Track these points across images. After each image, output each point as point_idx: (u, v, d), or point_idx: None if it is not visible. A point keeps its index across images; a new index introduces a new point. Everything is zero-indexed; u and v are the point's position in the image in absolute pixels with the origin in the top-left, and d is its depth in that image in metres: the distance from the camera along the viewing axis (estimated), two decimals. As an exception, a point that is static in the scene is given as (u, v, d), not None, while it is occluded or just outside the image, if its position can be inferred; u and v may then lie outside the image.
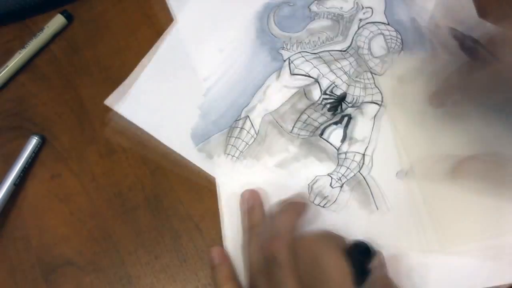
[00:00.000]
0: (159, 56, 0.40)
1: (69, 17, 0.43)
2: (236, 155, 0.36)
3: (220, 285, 0.31)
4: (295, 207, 0.32)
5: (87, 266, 0.35)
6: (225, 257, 0.33)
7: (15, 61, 0.41)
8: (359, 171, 0.35)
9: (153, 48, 0.40)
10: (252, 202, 0.33)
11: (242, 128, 0.37)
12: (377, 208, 0.34)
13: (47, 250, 0.35)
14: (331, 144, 0.36)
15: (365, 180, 0.35)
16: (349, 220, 0.34)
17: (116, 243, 0.35)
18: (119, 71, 0.40)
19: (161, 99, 0.39)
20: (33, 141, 0.37)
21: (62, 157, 0.38)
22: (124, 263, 0.35)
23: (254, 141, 0.37)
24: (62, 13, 0.42)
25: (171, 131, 0.37)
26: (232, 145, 0.36)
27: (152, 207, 0.36)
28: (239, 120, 0.37)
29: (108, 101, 0.38)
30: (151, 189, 0.37)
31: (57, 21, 0.42)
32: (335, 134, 0.37)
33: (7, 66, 0.40)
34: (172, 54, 0.40)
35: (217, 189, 0.36)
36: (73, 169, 0.38)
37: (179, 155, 0.37)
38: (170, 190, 0.36)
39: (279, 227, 0.29)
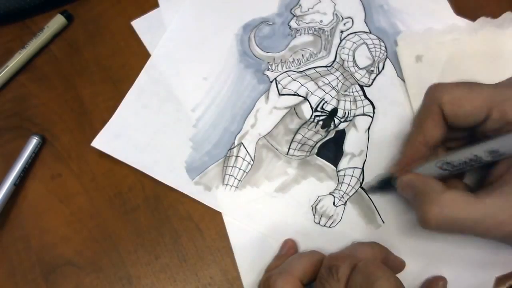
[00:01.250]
0: (142, 92, 0.39)
1: (69, 17, 0.43)
2: (235, 184, 0.35)
3: (268, 271, 0.32)
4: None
5: (87, 266, 0.35)
6: (292, 251, 0.33)
7: (15, 61, 0.41)
8: (360, 187, 0.35)
9: (135, 84, 0.39)
10: (286, 250, 0.33)
11: (237, 156, 0.36)
12: (383, 222, 0.34)
13: (47, 250, 0.35)
14: (328, 162, 0.36)
15: (367, 195, 0.34)
16: (357, 237, 0.33)
17: (116, 243, 0.35)
18: (119, 71, 0.40)
19: (150, 134, 0.37)
20: (33, 141, 0.37)
21: (62, 157, 0.38)
22: (124, 263, 0.35)
23: (251, 167, 0.36)
24: (62, 13, 0.42)
25: (165, 167, 0.36)
26: (229, 175, 0.36)
27: (152, 207, 0.36)
28: (233, 148, 0.36)
29: (96, 143, 0.37)
30: (151, 189, 0.37)
31: (57, 21, 0.42)
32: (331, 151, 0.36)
33: (7, 66, 0.40)
34: (154, 88, 0.39)
35: (224, 220, 0.35)
36: (73, 169, 0.38)
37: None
38: (170, 190, 0.36)
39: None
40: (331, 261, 0.27)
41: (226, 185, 0.35)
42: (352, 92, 0.37)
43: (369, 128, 0.36)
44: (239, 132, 0.37)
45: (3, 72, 0.40)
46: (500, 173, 0.28)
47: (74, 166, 0.38)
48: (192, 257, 0.34)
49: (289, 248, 0.33)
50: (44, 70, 0.41)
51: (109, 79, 0.40)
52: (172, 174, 0.36)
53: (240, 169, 0.36)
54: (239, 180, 0.35)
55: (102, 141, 0.37)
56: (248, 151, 0.36)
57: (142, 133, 0.37)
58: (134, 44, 0.41)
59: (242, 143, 0.36)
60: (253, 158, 0.36)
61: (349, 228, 0.34)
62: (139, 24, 0.42)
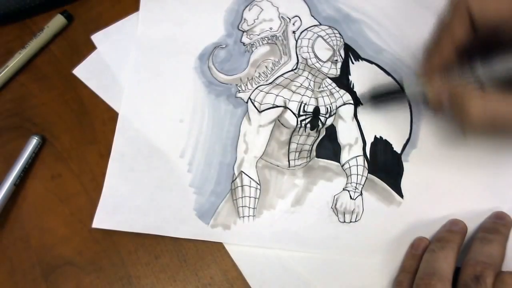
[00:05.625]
0: (123, 156, 0.37)
1: (69, 17, 0.43)
2: (251, 213, 0.35)
3: (404, 271, 0.32)
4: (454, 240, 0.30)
5: (87, 266, 0.35)
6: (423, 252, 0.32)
7: (15, 61, 0.41)
8: (369, 172, 0.35)
9: (113, 151, 0.37)
10: (415, 251, 0.32)
11: (242, 185, 0.35)
12: (402, 198, 0.34)
13: (47, 250, 0.35)
14: (330, 160, 0.36)
15: (377, 177, 0.35)
16: (385, 221, 0.34)
17: (116, 243, 0.35)
18: (119, 71, 0.40)
19: (148, 195, 0.36)
20: (33, 141, 0.38)
21: (62, 157, 0.38)
22: (124, 263, 0.35)
23: (260, 192, 0.35)
24: (62, 13, 0.42)
25: (176, 222, 0.35)
26: (242, 206, 0.35)
27: (152, 207, 0.36)
28: (235, 179, 0.36)
29: (96, 223, 0.35)
30: (151, 189, 0.37)
31: (57, 21, 0.42)
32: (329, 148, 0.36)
33: (7, 66, 0.40)
34: (134, 148, 0.37)
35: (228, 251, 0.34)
36: (73, 169, 0.38)
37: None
38: (170, 190, 0.36)
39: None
40: (476, 269, 0.28)
41: (243, 217, 0.35)
42: (326, 86, 0.38)
43: (355, 115, 0.37)
44: (235, 162, 0.36)
45: (3, 72, 0.40)
46: None
47: (74, 166, 0.38)
48: (192, 257, 0.34)
49: (424, 248, 0.32)
50: (44, 70, 0.41)
51: (109, 79, 0.40)
52: (186, 226, 0.34)
53: (250, 197, 0.35)
54: (254, 208, 0.35)
55: (102, 219, 0.35)
56: (251, 177, 0.35)
57: (139, 197, 0.36)
58: (134, 44, 0.41)
59: (242, 171, 0.36)
60: (258, 182, 0.35)
61: (374, 216, 0.34)
62: (81, 70, 0.40)
